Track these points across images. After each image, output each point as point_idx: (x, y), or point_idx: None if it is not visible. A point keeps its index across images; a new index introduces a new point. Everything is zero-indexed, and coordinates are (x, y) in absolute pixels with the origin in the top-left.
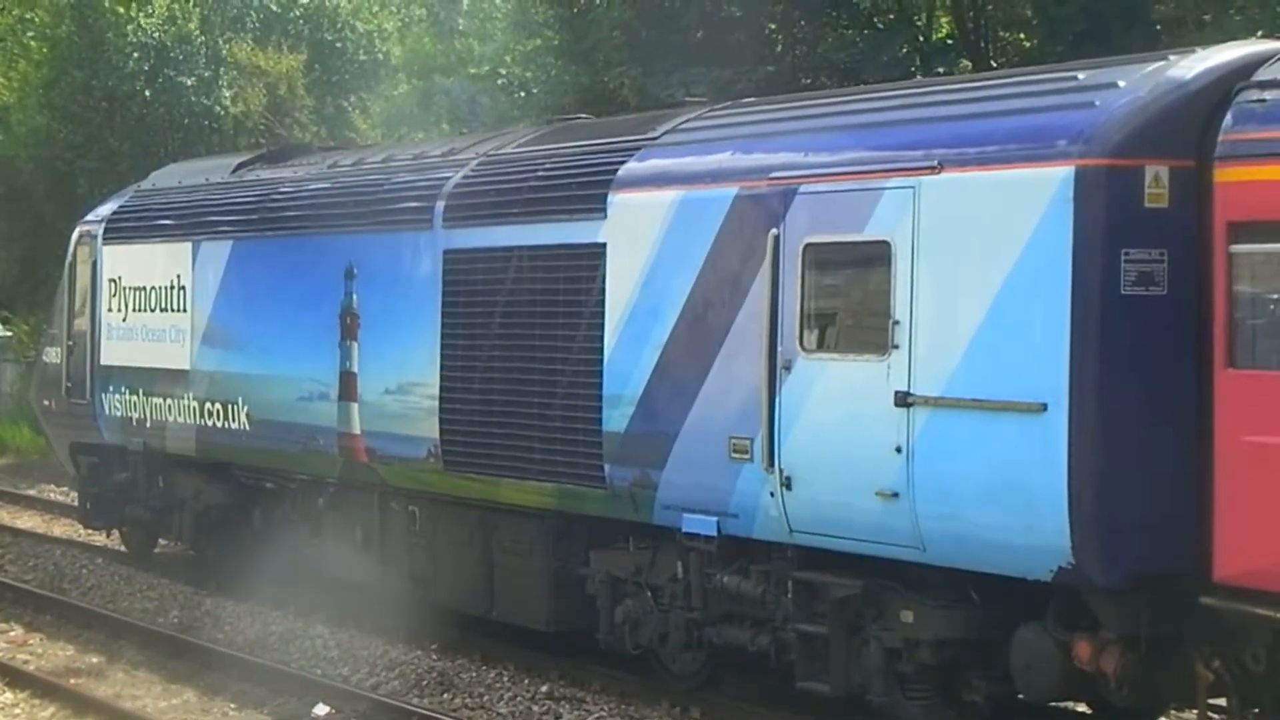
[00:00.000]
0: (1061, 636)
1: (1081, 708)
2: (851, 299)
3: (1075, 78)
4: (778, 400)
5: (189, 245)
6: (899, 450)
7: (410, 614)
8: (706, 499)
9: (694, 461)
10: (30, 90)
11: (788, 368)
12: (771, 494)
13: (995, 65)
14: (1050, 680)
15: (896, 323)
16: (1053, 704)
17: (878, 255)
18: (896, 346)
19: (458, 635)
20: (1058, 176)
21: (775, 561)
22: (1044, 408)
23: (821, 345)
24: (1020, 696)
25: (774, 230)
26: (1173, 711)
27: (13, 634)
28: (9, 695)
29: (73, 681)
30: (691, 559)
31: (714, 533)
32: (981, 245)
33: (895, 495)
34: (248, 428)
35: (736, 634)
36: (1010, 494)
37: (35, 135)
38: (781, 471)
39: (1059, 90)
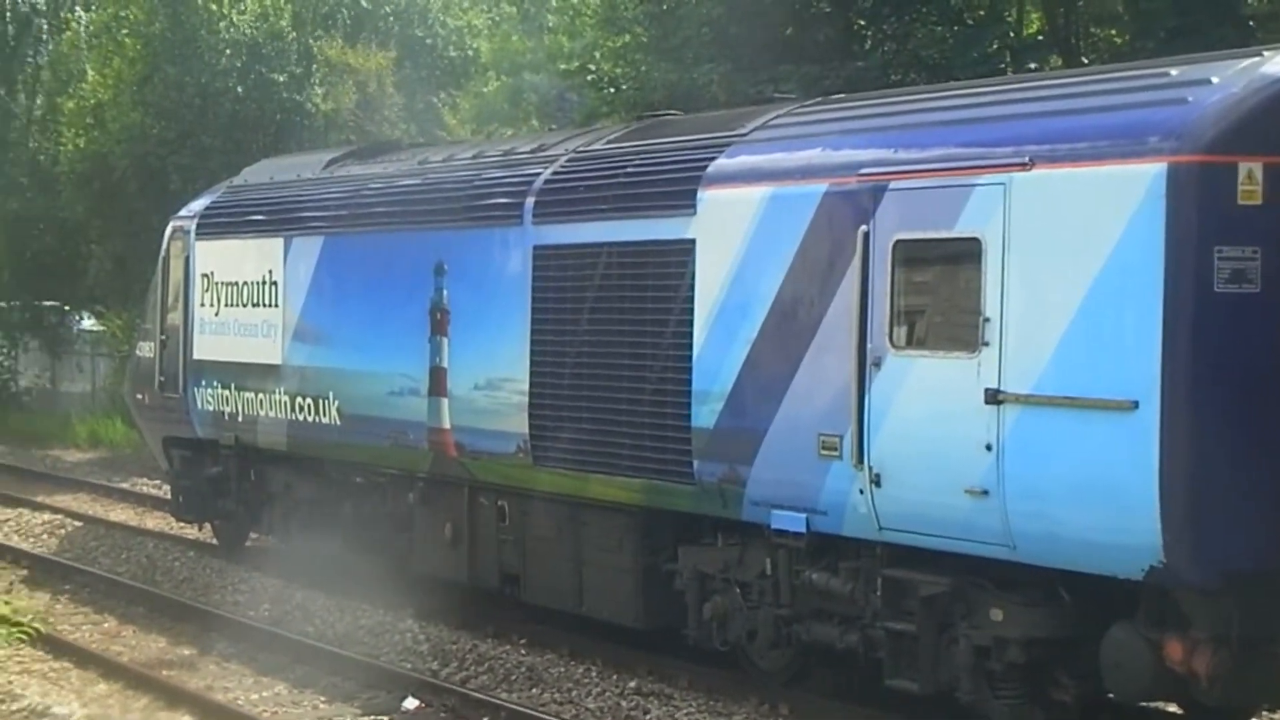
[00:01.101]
0: (1152, 636)
1: (1172, 708)
2: (941, 296)
3: (1167, 74)
4: (867, 397)
5: (281, 241)
6: (989, 448)
7: (499, 609)
8: (795, 495)
9: (783, 458)
10: (124, 87)
11: (877, 365)
12: (861, 491)
13: (1086, 61)
14: (1140, 680)
15: (987, 320)
16: (1142, 704)
17: (968, 252)
18: (987, 344)
19: (546, 630)
20: (1150, 173)
21: (864, 558)
22: (1135, 406)
23: (911, 342)
24: (1110, 696)
25: (863, 227)
26: (1264, 712)
27: (106, 626)
28: (103, 686)
29: (165, 673)
30: (780, 556)
31: (803, 529)
32: (1073, 242)
33: (985, 493)
34: (338, 422)
35: (825, 631)
36: (1101, 492)
37: (129, 132)
38: (871, 469)
39: (1151, 86)
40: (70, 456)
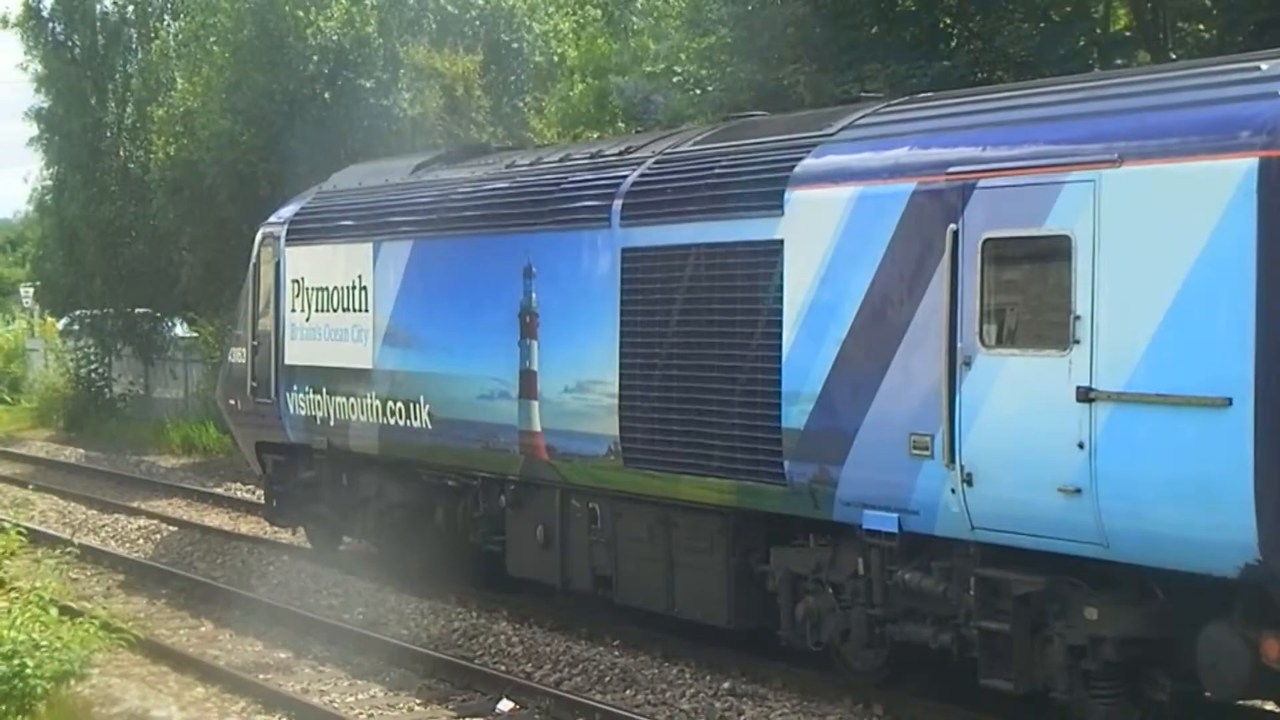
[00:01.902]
0: (1249, 634)
1: (1270, 706)
2: (1031, 294)
3: (1258, 68)
4: (958, 396)
5: (370, 245)
6: (1081, 446)
7: (592, 610)
8: (887, 495)
9: (874, 458)
10: (213, 94)
11: (968, 364)
12: (953, 490)
13: (1174, 56)
14: (1238, 678)
15: (1078, 317)
16: (1240, 702)
17: (1058, 249)
18: (1078, 341)
19: (639, 632)
20: (1241, 169)
21: (957, 558)
22: (1229, 402)
23: (1001, 341)
24: (1207, 695)
25: (952, 225)
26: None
27: (203, 629)
28: (200, 690)
29: (261, 677)
30: (872, 556)
31: (895, 529)
32: (1164, 238)
33: (1078, 491)
34: (429, 426)
35: (918, 631)
36: (1195, 489)
37: (219, 139)
38: (962, 468)
39: (1241, 81)
40: (164, 462)
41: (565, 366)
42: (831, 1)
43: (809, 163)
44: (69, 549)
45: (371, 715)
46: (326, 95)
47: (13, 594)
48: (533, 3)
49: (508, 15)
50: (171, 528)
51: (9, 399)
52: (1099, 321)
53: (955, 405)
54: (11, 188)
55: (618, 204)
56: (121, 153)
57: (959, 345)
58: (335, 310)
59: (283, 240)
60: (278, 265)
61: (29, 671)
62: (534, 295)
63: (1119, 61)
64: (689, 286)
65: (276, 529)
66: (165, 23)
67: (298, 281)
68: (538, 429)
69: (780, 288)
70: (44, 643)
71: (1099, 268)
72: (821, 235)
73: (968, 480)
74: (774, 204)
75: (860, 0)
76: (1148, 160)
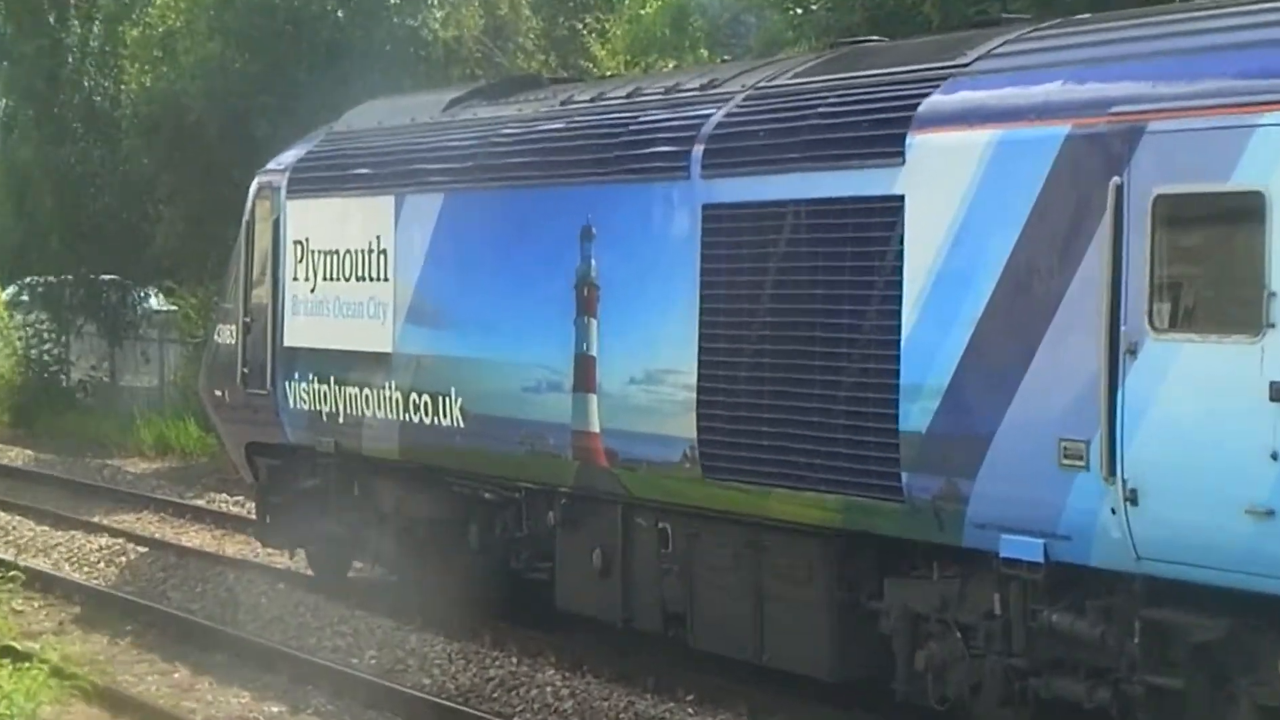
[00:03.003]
0: None
1: None
2: (1214, 265)
3: None
4: (1120, 392)
5: (391, 199)
6: (1275, 457)
7: (660, 656)
8: (1030, 516)
9: (1014, 469)
10: (200, 11)
11: (1133, 351)
12: (1112, 510)
13: None
14: None
15: (1272, 295)
16: None
17: (1248, 209)
18: (1272, 325)
19: (719, 684)
20: None
21: (1118, 595)
22: None
23: (1176, 323)
24: None
25: (1116, 179)
26: None
27: (177, 675)
28: None
29: None
30: (1012, 591)
31: (1040, 558)
32: None
33: (1270, 514)
34: (462, 425)
35: (1069, 685)
36: None
37: (205, 66)
38: (1125, 482)
39: None
40: (133, 466)
41: (631, 351)
42: None
43: (937, 100)
44: (12, 575)
45: None
46: (340, 13)
47: None
48: None
49: None
50: (140, 548)
51: None
52: None
53: (1117, 404)
54: None
55: (698, 150)
56: (86, 83)
57: (1122, 328)
58: (347, 279)
59: (283, 192)
60: (276, 223)
61: None
62: (593, 263)
63: None
64: (785, 253)
65: (270, 550)
66: None
67: (301, 243)
68: (596, 429)
69: (900, 255)
70: None
71: None
72: (952, 189)
73: (1131, 498)
74: (893, 151)
75: None
76: None
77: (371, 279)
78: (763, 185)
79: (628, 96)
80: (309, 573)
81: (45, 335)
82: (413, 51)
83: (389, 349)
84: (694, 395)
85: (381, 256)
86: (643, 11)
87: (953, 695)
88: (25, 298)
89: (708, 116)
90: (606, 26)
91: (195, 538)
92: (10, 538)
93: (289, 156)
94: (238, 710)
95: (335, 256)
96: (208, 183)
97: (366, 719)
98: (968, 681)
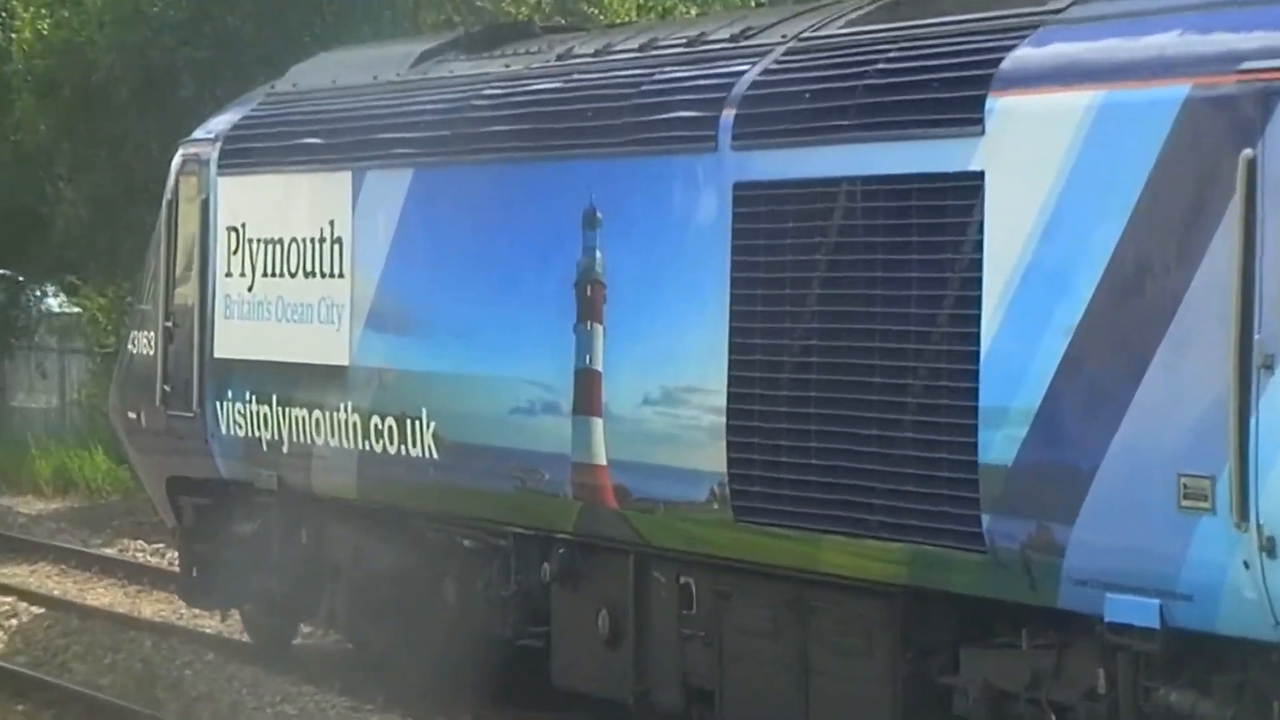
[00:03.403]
0: None
1: None
2: None
3: None
4: (1254, 418)
5: (348, 176)
6: None
7: None
8: (1142, 571)
9: (1122, 512)
10: None
11: (1269, 366)
12: (1245, 564)
13: None
14: None
15: None
16: None
17: None
18: None
19: None
20: None
21: (1253, 670)
22: None
23: None
24: None
25: (1248, 151)
26: None
27: None
28: None
29: None
30: (1119, 664)
31: (1154, 623)
32: None
33: None
34: (435, 456)
35: None
36: None
37: (116, 9)
38: (1261, 529)
39: None
40: (27, 507)
41: (645, 365)
42: None
43: (1024, 54)
44: None
45: None
46: None
47: None
48: None
49: None
50: (35, 609)
51: None
52: None
53: (1249, 431)
54: None
55: (728, 115)
56: None
57: (1256, 337)
58: (293, 275)
59: (213, 166)
60: (205, 205)
61: None
62: (598, 255)
63: None
64: (836, 243)
65: (197, 612)
66: None
67: (236, 230)
68: (602, 461)
69: (978, 246)
70: None
71: None
72: (1042, 165)
73: (1269, 548)
74: (969, 117)
75: None
76: None
77: (323, 275)
78: (807, 159)
79: (640, 50)
80: (245, 639)
81: None
82: None
83: (345, 361)
84: (723, 419)
85: (336, 247)
86: None
87: None
88: None
89: (740, 74)
90: None
91: (104, 596)
92: None
93: (220, 123)
94: None
95: (278, 247)
96: (119, 156)
97: None
98: None
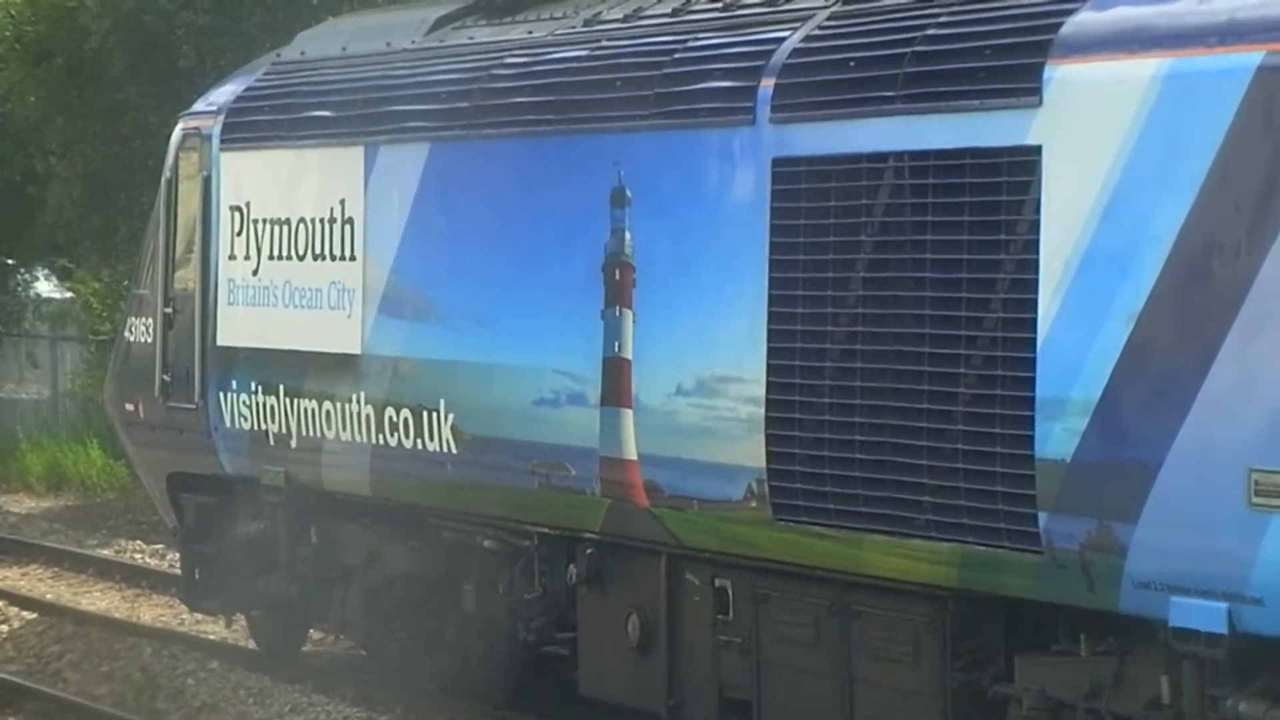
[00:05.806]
0: None
1: None
2: None
3: None
4: None
5: (360, 151)
6: None
7: None
8: (1210, 573)
9: (1189, 509)
10: None
11: None
12: None
13: None
14: None
15: None
16: None
17: None
18: None
19: None
20: None
21: None
22: None
23: None
24: None
25: None
26: None
27: None
28: None
29: None
30: (1185, 672)
31: (1223, 629)
32: None
33: None
34: (453, 450)
35: None
36: None
37: None
38: None
39: None
40: (17, 505)
41: (678, 353)
42: None
43: (1086, 19)
44: None
45: None
46: None
47: None
48: None
49: None
50: (27, 614)
51: None
52: None
53: None
54: None
55: (767, 86)
56: None
57: None
58: (301, 258)
59: (215, 141)
60: (207, 182)
61: None
62: (627, 235)
63: None
64: (882, 223)
65: (200, 617)
66: None
67: (239, 210)
68: (632, 456)
69: (1035, 225)
70: None
71: None
72: (1104, 139)
73: None
74: (1025, 86)
75: None
76: None
77: (333, 257)
78: (852, 133)
79: (673, 15)
80: (251, 646)
81: None
82: None
83: (357, 350)
84: (762, 411)
85: (347, 227)
86: None
87: None
88: None
89: (780, 41)
90: None
91: (100, 600)
92: None
93: (223, 94)
94: None
95: (285, 227)
96: (115, 130)
97: None
98: None
